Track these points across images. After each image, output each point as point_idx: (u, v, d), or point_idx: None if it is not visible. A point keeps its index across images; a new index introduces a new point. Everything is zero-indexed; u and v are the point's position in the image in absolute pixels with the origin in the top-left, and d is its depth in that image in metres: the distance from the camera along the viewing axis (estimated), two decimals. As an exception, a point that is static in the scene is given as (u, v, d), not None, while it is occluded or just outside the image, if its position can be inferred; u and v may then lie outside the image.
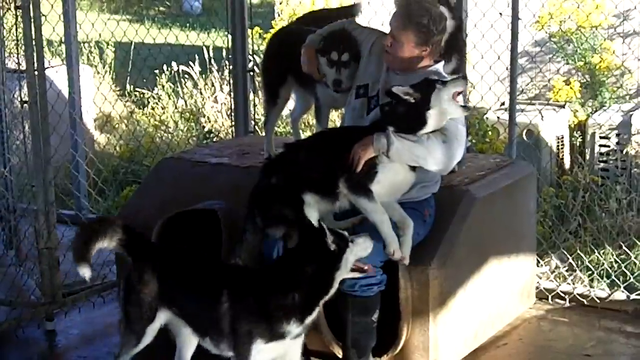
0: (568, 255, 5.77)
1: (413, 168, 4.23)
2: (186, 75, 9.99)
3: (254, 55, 7.59)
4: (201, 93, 9.84)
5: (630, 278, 5.53)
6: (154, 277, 4.17)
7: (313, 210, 4.26)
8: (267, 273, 4.07)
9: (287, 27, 5.40)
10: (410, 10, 4.38)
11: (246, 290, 4.00)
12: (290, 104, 5.75)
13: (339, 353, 4.61)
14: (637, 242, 5.90)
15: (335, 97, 4.90)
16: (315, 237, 3.92)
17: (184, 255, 4.35)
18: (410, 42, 4.37)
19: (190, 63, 9.93)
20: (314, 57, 4.73)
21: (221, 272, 4.22)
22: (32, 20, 5.10)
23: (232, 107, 6.80)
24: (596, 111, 7.73)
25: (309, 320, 3.96)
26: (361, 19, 5.43)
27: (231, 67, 6.79)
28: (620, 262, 5.69)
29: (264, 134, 5.57)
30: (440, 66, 4.50)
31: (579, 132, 7.65)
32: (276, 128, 8.65)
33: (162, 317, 4.21)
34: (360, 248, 3.96)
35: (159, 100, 10.16)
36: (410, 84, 4.20)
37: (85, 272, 4.15)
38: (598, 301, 5.44)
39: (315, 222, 4.17)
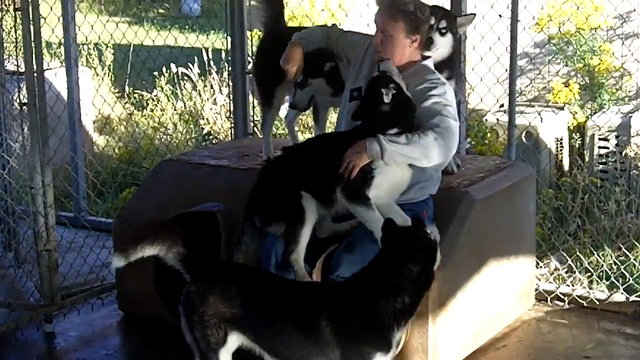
0: (567, 257, 5.77)
1: (409, 165, 4.25)
2: (185, 77, 10.00)
3: (253, 57, 7.59)
4: (200, 95, 9.85)
5: (629, 280, 5.53)
6: (220, 298, 3.83)
7: (311, 203, 4.25)
8: (365, 280, 3.82)
9: (279, 27, 5.39)
10: (395, 2, 4.43)
11: (348, 304, 3.75)
12: (285, 106, 5.75)
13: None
14: (637, 243, 5.90)
15: (331, 99, 4.92)
16: (410, 231, 3.81)
17: (251, 273, 4.09)
18: (401, 32, 4.40)
19: (189, 65, 9.94)
20: (299, 56, 4.72)
21: (305, 290, 3.96)
22: (31, 22, 5.09)
23: (231, 109, 6.80)
24: (595, 113, 7.73)
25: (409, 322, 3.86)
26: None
27: (230, 69, 6.79)
28: (619, 263, 5.69)
29: (262, 136, 5.57)
30: (429, 62, 4.52)
31: (578, 134, 7.66)
32: (275, 130, 8.70)
33: (235, 341, 3.86)
34: (437, 236, 3.95)
35: (158, 102, 10.17)
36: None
37: (117, 262, 3.91)
38: (597, 303, 5.43)
39: (313, 216, 4.21)
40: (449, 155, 4.30)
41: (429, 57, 4.56)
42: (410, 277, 3.75)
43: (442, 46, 4.75)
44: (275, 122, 8.85)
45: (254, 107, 6.61)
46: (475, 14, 4.91)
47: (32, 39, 5.10)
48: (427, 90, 4.32)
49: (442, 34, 4.73)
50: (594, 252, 5.86)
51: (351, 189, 4.17)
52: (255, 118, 6.65)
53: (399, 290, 3.74)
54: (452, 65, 4.90)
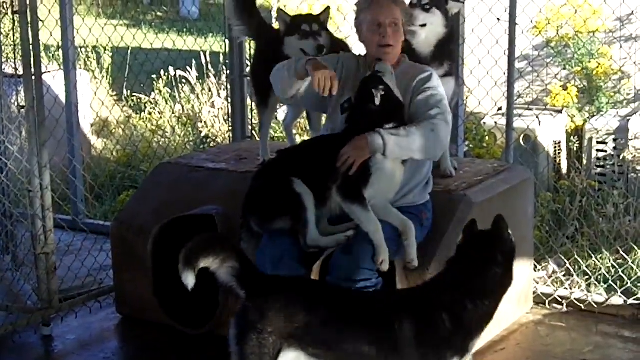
0: (565, 260, 5.77)
1: (403, 163, 4.27)
2: (183, 80, 10.00)
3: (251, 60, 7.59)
4: (198, 98, 9.85)
5: (627, 283, 5.53)
6: (281, 314, 3.64)
7: (304, 188, 4.23)
8: (449, 283, 3.74)
9: (275, 29, 5.39)
10: None
11: (434, 309, 3.66)
12: (283, 109, 5.75)
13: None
14: (635, 246, 5.90)
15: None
16: (494, 232, 3.76)
17: (308, 285, 3.99)
18: (401, 20, 4.42)
19: (188, 68, 9.94)
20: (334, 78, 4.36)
21: (378, 298, 3.89)
22: (30, 25, 5.10)
23: (229, 112, 6.79)
24: (593, 116, 7.74)
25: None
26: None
27: (228, 72, 6.78)
28: (617, 266, 5.69)
29: (259, 138, 5.57)
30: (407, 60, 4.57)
31: (576, 137, 7.66)
32: (273, 133, 8.70)
33: (290, 358, 3.68)
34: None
35: (156, 105, 10.17)
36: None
37: (190, 280, 3.69)
38: (595, 306, 5.43)
39: (310, 200, 4.21)
40: (444, 148, 4.38)
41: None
42: (495, 279, 3.72)
43: (430, 23, 4.79)
44: (274, 125, 8.89)
45: (252, 110, 6.60)
46: (464, 2, 4.92)
47: (31, 42, 5.10)
48: (422, 83, 4.37)
49: (427, 10, 4.78)
50: (592, 255, 5.86)
51: (348, 187, 4.18)
52: (254, 121, 6.64)
53: (487, 293, 3.70)
54: (450, 57, 4.90)
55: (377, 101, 4.18)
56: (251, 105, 6.73)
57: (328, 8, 5.15)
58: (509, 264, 3.75)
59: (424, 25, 4.80)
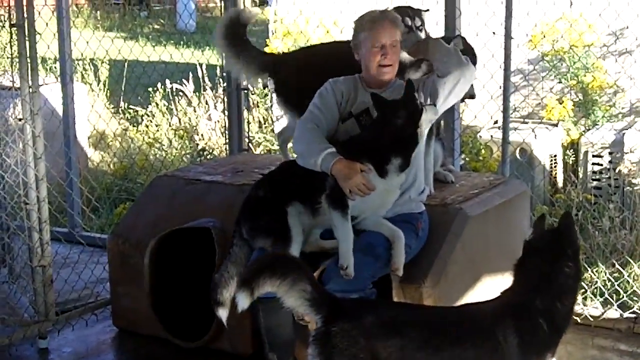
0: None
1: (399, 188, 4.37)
2: (180, 93, 10.02)
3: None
4: (195, 111, 9.86)
5: (623, 296, 5.54)
6: (374, 337, 3.51)
7: (296, 222, 4.30)
8: (534, 285, 3.72)
9: (315, 46, 5.37)
10: (389, 14, 4.54)
11: (531, 312, 3.66)
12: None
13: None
14: (630, 260, 5.91)
15: None
16: (562, 228, 3.78)
17: (389, 306, 3.93)
18: (399, 39, 4.49)
19: (184, 81, 9.96)
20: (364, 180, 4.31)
21: (473, 310, 3.80)
22: (27, 38, 5.12)
23: (226, 125, 6.80)
24: (589, 130, 7.76)
25: None
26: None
27: (225, 85, 6.80)
28: (613, 280, 5.70)
29: (258, 151, 5.57)
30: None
31: (571, 150, 7.68)
32: (270, 146, 8.71)
33: None
34: None
35: (152, 118, 10.18)
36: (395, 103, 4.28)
37: (243, 302, 3.49)
38: (591, 319, 5.44)
39: (299, 234, 4.25)
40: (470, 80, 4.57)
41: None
42: (571, 276, 3.73)
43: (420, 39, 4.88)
44: (271, 138, 8.91)
45: (248, 123, 6.61)
46: (428, 9, 5.00)
47: (28, 55, 5.12)
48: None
49: (420, 30, 4.90)
50: (588, 268, 5.87)
51: (334, 196, 4.25)
52: (250, 134, 6.66)
53: (569, 291, 3.73)
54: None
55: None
56: (248, 118, 6.74)
57: None
58: (578, 258, 3.78)
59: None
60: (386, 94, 4.44)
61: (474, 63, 4.86)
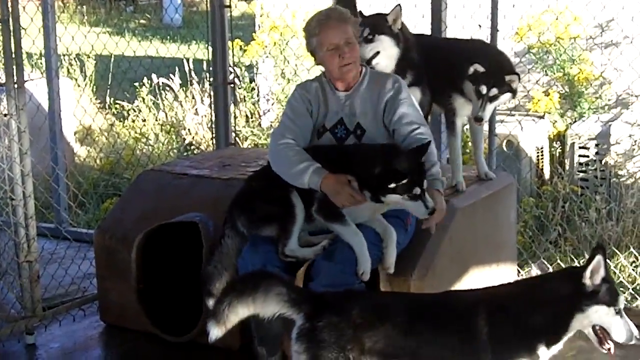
0: (548, 265, 5.79)
1: None
2: (166, 88, 10.00)
3: (235, 68, 7.59)
4: (182, 105, 9.84)
5: (610, 287, 5.55)
6: (360, 328, 3.53)
7: (298, 200, 4.28)
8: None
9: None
10: (336, 12, 4.48)
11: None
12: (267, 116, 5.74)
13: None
14: (617, 251, 5.93)
15: None
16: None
17: (373, 297, 3.89)
18: (354, 37, 4.43)
19: (171, 75, 9.94)
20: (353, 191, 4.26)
21: (454, 300, 3.77)
22: (12, 33, 5.09)
23: (213, 119, 6.79)
24: (575, 122, 7.77)
25: None
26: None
27: (212, 79, 6.79)
28: (600, 271, 5.71)
29: (245, 145, 5.57)
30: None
31: (558, 142, 7.69)
32: (258, 140, 8.70)
33: None
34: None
35: (139, 113, 10.16)
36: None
37: (215, 332, 3.55)
38: (578, 310, 5.45)
39: (301, 213, 4.24)
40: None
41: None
42: None
43: (382, 49, 4.78)
44: (258, 132, 8.91)
45: (235, 117, 6.61)
46: (400, 5, 4.89)
47: (13, 50, 5.09)
48: (395, 95, 4.42)
49: (371, 40, 4.76)
50: (575, 260, 5.89)
51: (325, 209, 4.25)
52: (237, 128, 6.65)
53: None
54: (412, 66, 4.89)
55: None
56: (234, 113, 6.74)
57: None
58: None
59: (376, 54, 4.79)
60: (363, 89, 4.43)
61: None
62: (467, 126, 5.32)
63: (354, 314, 3.55)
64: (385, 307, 3.66)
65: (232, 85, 6.80)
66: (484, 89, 4.67)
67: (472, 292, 3.84)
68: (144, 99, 10.10)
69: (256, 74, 9.77)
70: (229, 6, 6.62)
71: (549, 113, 7.84)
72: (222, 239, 4.45)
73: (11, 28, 5.08)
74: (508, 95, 4.75)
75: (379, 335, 3.53)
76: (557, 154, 7.65)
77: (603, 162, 7.08)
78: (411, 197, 4.08)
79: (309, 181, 4.23)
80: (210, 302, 4.38)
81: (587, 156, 7.30)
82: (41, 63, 9.16)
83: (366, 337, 3.53)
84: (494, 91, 4.68)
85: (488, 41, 5.57)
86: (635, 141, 7.00)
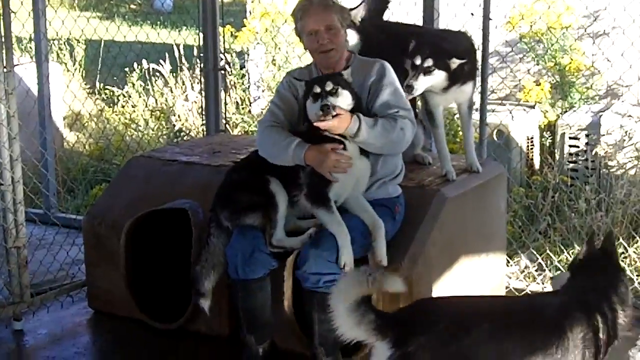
0: (537, 255, 5.80)
1: (366, 155, 4.34)
2: (157, 74, 9.95)
3: (225, 54, 7.56)
4: (172, 91, 9.80)
5: (599, 278, 5.56)
6: (449, 345, 3.37)
7: (279, 188, 4.31)
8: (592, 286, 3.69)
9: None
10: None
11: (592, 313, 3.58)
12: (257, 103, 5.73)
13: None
14: (606, 242, 5.93)
15: None
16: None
17: (452, 305, 3.69)
18: (338, 23, 4.46)
19: (161, 61, 9.89)
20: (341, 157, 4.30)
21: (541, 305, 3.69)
22: (2, 17, 5.05)
23: (203, 105, 6.77)
24: (566, 112, 7.78)
25: None
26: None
27: (202, 65, 6.77)
28: (589, 262, 5.72)
29: (235, 132, 5.56)
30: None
31: (548, 132, 7.69)
32: (247, 127, 8.68)
33: None
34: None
35: (129, 99, 10.12)
36: None
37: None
38: (567, 300, 5.46)
39: (283, 201, 4.28)
40: (406, 146, 4.49)
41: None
42: (627, 287, 3.78)
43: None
44: (248, 119, 8.88)
45: (225, 103, 6.59)
46: (363, 1, 4.94)
47: (2, 34, 5.05)
48: (378, 79, 4.45)
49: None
50: (564, 250, 5.90)
51: (314, 193, 4.26)
52: (227, 115, 6.63)
53: (628, 300, 3.75)
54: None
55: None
56: (225, 99, 6.72)
57: None
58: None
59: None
60: (346, 75, 4.41)
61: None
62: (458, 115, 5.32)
63: (441, 329, 3.39)
64: (468, 316, 3.51)
65: (223, 71, 6.77)
66: (417, 60, 4.68)
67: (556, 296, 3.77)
68: (133, 85, 10.06)
69: (247, 60, 9.74)
70: (220, -8, 6.60)
71: (540, 103, 7.84)
72: (208, 238, 4.49)
73: (0, 12, 5.04)
74: (443, 73, 4.72)
75: (469, 344, 3.39)
76: (548, 144, 7.66)
77: (593, 152, 7.09)
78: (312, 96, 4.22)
79: (294, 156, 4.27)
80: (201, 302, 4.43)
81: (578, 146, 7.30)
82: (31, 47, 9.12)
83: (457, 353, 3.38)
84: (429, 62, 4.67)
85: (480, 30, 5.56)
86: (626, 132, 6.99)
